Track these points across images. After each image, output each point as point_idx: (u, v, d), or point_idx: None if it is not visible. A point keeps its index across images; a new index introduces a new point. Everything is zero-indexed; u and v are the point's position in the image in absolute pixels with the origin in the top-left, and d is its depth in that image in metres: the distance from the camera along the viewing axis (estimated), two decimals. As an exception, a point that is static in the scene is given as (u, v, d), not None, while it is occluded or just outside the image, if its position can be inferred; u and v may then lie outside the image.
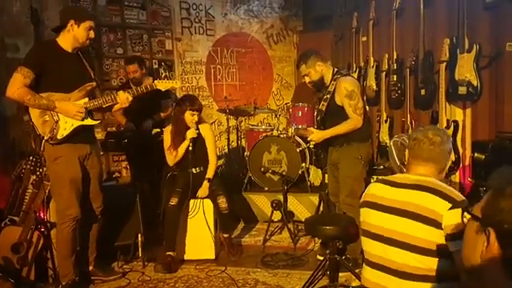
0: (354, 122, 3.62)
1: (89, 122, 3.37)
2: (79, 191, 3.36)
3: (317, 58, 3.71)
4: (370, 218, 2.04)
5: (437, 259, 1.80)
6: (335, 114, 3.69)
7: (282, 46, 7.51)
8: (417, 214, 1.84)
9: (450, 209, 1.77)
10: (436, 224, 1.78)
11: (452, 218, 1.74)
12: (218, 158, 4.52)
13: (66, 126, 3.26)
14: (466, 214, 1.12)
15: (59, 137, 3.24)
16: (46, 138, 3.20)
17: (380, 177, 2.29)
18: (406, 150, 2.07)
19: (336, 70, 3.78)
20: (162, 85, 3.58)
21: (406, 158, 2.07)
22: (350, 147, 3.70)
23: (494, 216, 1.00)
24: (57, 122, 3.23)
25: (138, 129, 4.88)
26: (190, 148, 4.08)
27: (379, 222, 1.97)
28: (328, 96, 3.69)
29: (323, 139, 3.75)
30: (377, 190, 2.06)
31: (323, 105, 3.71)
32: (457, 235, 1.69)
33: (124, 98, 3.43)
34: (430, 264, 1.81)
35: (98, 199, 3.57)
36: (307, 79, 3.79)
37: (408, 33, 4.79)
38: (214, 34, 6.83)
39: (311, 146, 5.31)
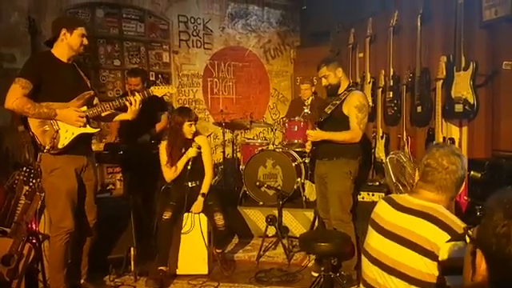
0: (354, 133, 3.63)
1: (89, 129, 3.35)
2: (74, 204, 3.32)
3: (338, 65, 3.78)
4: (371, 240, 1.99)
5: None
6: (336, 122, 3.69)
7: (279, 61, 7.56)
8: (414, 244, 1.77)
9: (448, 241, 1.68)
10: (433, 256, 1.71)
11: (450, 251, 1.67)
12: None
13: (66, 135, 3.24)
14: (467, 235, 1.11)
15: (60, 146, 3.21)
16: (47, 147, 3.17)
17: (388, 195, 2.19)
18: (416, 173, 1.99)
19: (352, 83, 3.85)
20: (158, 91, 3.58)
21: (415, 179, 1.99)
22: (340, 162, 3.70)
23: (483, 238, 0.99)
24: (57, 131, 3.20)
25: (134, 141, 4.85)
26: (190, 164, 4.05)
27: (378, 247, 1.92)
28: (337, 102, 3.69)
29: (320, 139, 3.74)
30: (380, 210, 2.01)
31: (330, 108, 3.70)
32: (453, 270, 1.63)
33: (138, 99, 3.43)
34: None
35: (92, 212, 3.53)
36: (324, 82, 3.80)
37: (405, 50, 4.82)
38: (211, 48, 6.87)
39: (307, 150, 5.27)
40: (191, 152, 4.05)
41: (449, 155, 1.86)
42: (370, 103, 5.27)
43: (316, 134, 3.75)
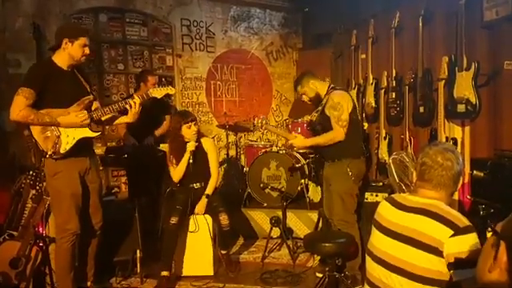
0: (334, 133, 3.67)
1: (90, 133, 3.38)
2: (79, 206, 3.35)
3: (309, 77, 3.87)
4: (374, 239, 2.02)
5: None
6: (325, 126, 3.75)
7: (282, 63, 7.59)
8: (418, 242, 1.79)
9: (451, 236, 1.71)
10: (437, 252, 1.73)
11: (454, 245, 1.70)
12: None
13: (68, 140, 3.27)
14: (488, 229, 1.11)
15: (62, 151, 3.24)
16: (49, 153, 3.21)
17: (390, 195, 2.20)
18: (414, 173, 2.03)
19: (332, 86, 3.89)
20: (157, 92, 3.56)
21: (414, 180, 2.02)
22: (341, 163, 3.73)
23: (509, 230, 1.01)
24: (58, 136, 3.24)
25: (139, 144, 4.89)
26: (191, 161, 4.07)
27: (382, 246, 1.94)
28: (320, 108, 3.80)
29: (303, 146, 3.95)
30: (383, 210, 2.03)
31: (314, 115, 3.84)
32: (460, 264, 1.66)
33: (137, 102, 3.42)
34: None
35: (97, 214, 3.55)
36: (305, 98, 3.93)
37: (407, 50, 4.83)
38: (214, 51, 6.90)
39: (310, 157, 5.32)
40: (190, 146, 4.06)
41: (443, 152, 1.90)
42: (373, 104, 5.30)
43: (298, 143, 3.90)
